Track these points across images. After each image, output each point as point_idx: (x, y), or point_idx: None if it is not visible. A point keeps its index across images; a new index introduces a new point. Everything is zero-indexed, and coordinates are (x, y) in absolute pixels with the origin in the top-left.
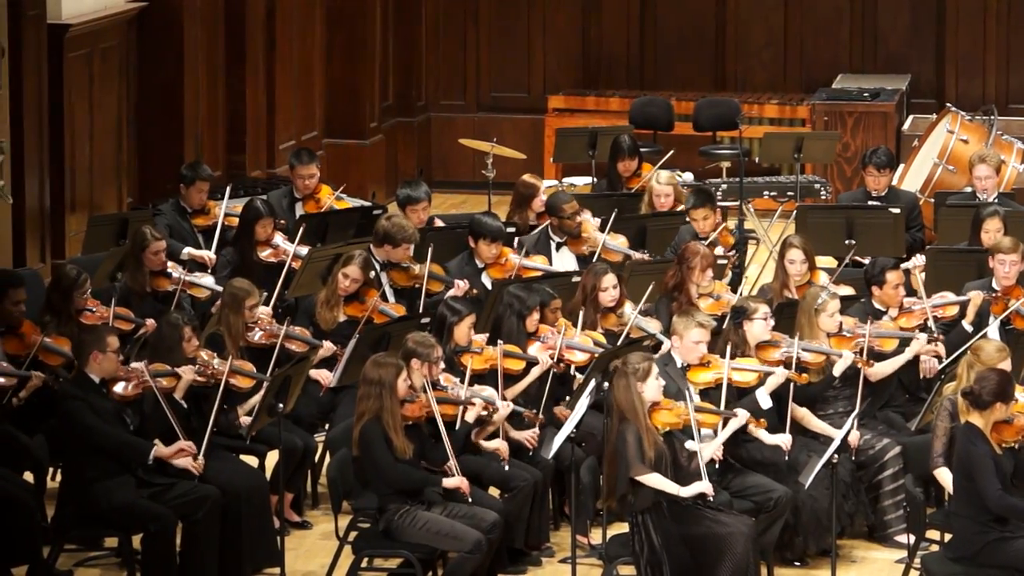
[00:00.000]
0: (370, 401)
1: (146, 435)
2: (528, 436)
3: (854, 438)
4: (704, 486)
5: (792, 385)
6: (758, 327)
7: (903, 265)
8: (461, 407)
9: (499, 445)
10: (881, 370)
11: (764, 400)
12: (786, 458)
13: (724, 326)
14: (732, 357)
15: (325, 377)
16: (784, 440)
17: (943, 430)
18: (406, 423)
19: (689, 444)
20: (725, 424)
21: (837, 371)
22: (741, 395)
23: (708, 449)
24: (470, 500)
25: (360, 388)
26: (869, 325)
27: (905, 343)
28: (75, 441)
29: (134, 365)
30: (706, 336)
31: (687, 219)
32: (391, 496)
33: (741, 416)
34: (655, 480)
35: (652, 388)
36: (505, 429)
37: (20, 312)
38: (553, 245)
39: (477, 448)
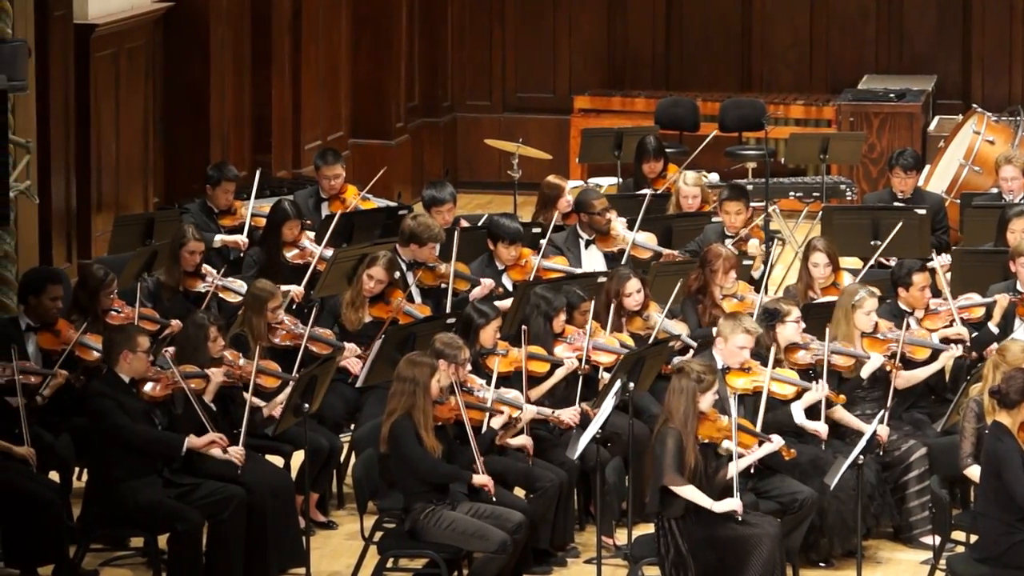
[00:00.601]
0: (403, 398)
1: None
2: (527, 443)
3: (883, 432)
4: (735, 504)
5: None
6: (790, 329)
7: (928, 265)
8: (488, 414)
9: (524, 442)
10: (909, 378)
11: (798, 415)
12: (823, 446)
13: None
14: (772, 367)
15: (355, 365)
16: (821, 428)
17: (970, 431)
18: (435, 423)
19: (726, 443)
20: (760, 445)
21: (865, 373)
22: (773, 405)
23: (736, 466)
24: (494, 499)
25: (393, 385)
26: (904, 331)
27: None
28: (104, 439)
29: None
30: (751, 342)
31: (713, 218)
32: (417, 496)
33: (776, 442)
34: (689, 492)
35: (708, 401)
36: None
37: (56, 309)
38: (582, 243)
39: (502, 449)
